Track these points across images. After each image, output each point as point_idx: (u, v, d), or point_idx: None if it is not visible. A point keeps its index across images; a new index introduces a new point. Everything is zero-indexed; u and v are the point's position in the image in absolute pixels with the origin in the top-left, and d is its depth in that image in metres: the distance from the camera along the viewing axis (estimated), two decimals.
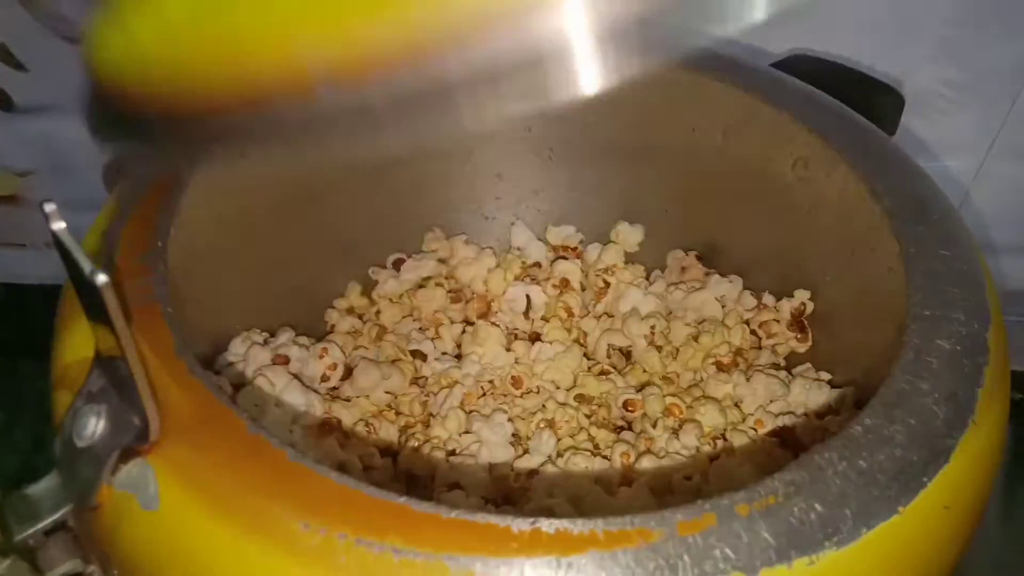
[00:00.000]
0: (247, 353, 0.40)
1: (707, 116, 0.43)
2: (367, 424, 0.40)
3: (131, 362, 0.19)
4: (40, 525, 0.21)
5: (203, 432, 0.21)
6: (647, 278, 0.49)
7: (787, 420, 0.37)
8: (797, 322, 0.42)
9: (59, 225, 0.20)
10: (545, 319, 0.47)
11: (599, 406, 0.42)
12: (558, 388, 0.43)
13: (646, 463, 0.35)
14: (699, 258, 0.47)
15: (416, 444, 0.40)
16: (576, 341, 0.46)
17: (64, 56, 0.54)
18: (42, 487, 0.22)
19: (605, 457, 0.38)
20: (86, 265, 0.18)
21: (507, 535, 0.19)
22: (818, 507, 0.19)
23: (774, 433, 0.37)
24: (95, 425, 0.21)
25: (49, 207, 0.19)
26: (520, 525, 0.19)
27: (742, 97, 0.40)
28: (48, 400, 0.26)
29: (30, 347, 0.33)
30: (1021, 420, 0.30)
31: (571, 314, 0.46)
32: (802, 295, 0.42)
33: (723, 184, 0.45)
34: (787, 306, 0.42)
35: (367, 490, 0.20)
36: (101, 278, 0.18)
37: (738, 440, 0.36)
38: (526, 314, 0.47)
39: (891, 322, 0.36)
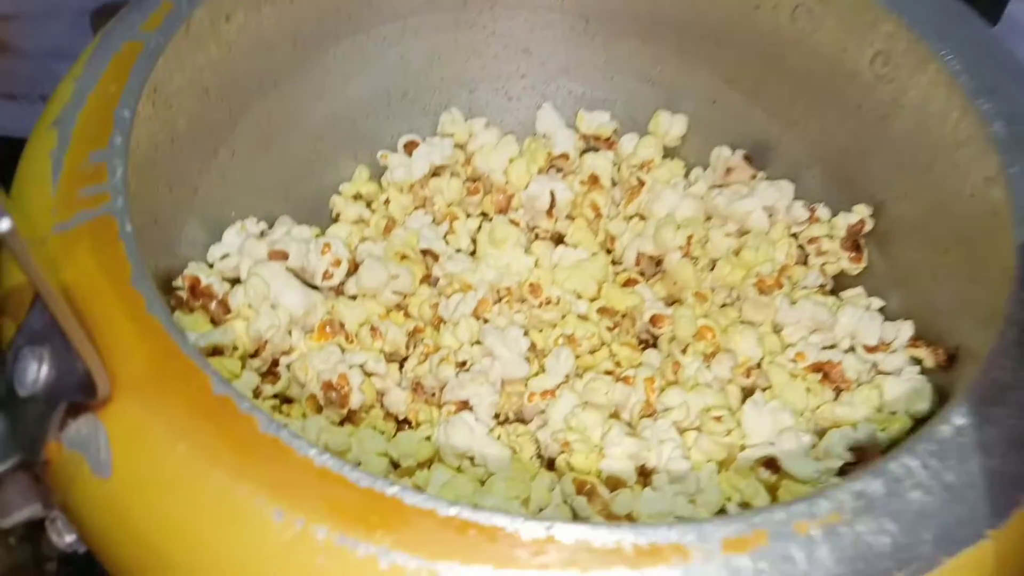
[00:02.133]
0: (242, 246, 0.37)
1: None
2: (373, 328, 0.37)
3: (63, 324, 0.15)
4: None
5: (161, 389, 0.18)
6: (686, 176, 0.44)
7: (832, 354, 0.34)
8: (853, 241, 0.38)
9: None
10: (570, 218, 0.43)
11: (623, 317, 0.39)
12: (580, 298, 0.39)
13: (673, 396, 0.32)
14: (747, 158, 0.42)
15: (425, 350, 0.37)
16: (602, 245, 0.42)
17: None
18: None
19: (627, 380, 0.35)
20: None
21: (515, 542, 0.16)
22: (891, 528, 0.16)
23: (816, 367, 0.34)
24: (37, 372, 0.18)
25: None
26: (532, 530, 0.16)
27: None
28: None
29: None
30: None
31: (599, 214, 0.42)
32: (863, 211, 0.37)
33: (785, 74, 0.39)
34: (843, 222, 0.38)
35: (352, 475, 0.17)
36: (3, 224, 0.14)
37: (775, 374, 0.33)
38: (549, 212, 0.42)
39: (964, 251, 0.32)
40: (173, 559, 0.16)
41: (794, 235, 0.40)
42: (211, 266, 0.37)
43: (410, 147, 0.44)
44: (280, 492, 0.16)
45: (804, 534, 0.16)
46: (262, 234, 0.38)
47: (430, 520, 0.16)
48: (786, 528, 0.16)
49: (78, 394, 0.18)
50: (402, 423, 0.37)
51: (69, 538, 0.21)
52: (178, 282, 0.35)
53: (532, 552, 0.16)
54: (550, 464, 0.34)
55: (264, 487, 0.16)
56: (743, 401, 0.33)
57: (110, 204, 0.21)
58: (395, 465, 0.34)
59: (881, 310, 0.37)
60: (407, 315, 0.40)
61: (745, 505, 0.30)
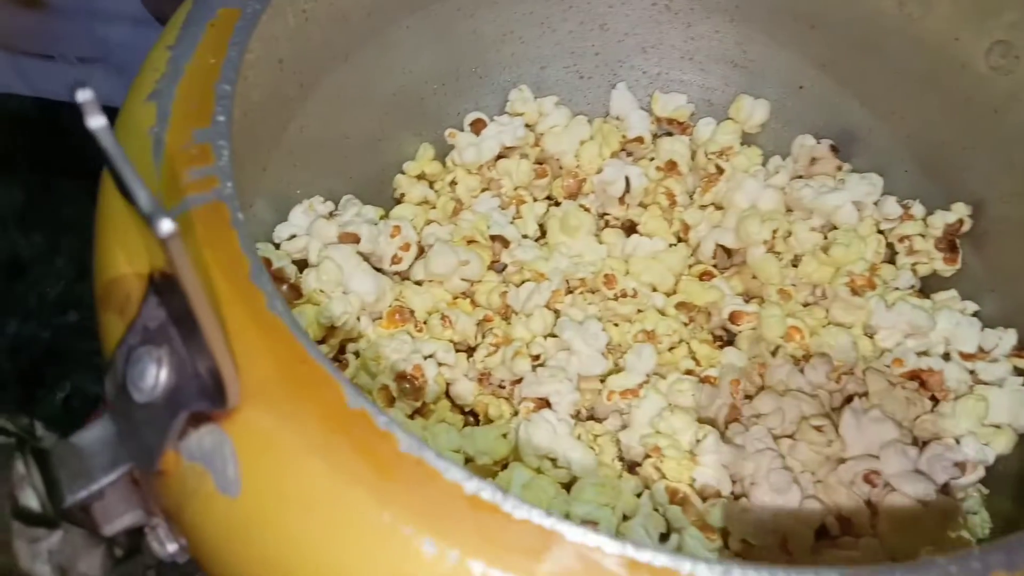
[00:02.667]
0: (311, 227, 0.35)
1: None
2: (443, 317, 0.36)
3: (207, 332, 0.14)
4: (94, 487, 0.17)
5: (291, 399, 0.16)
6: (763, 165, 0.42)
7: (932, 362, 0.32)
8: (949, 241, 0.36)
9: (99, 122, 0.14)
10: (643, 205, 0.41)
11: (698, 312, 0.37)
12: (655, 291, 0.38)
13: (765, 401, 0.31)
14: (833, 148, 0.40)
15: (494, 340, 0.36)
16: (676, 235, 0.40)
17: None
18: (95, 436, 0.18)
19: (711, 381, 0.33)
20: (145, 201, 0.12)
21: None
22: None
23: (913, 375, 0.32)
24: (156, 376, 0.17)
25: (84, 95, 0.13)
26: (707, 574, 0.15)
27: None
28: (90, 223, 0.21)
29: (66, 166, 0.28)
30: None
31: (673, 202, 0.40)
32: (962, 210, 0.36)
33: (885, 61, 0.37)
34: (940, 220, 0.36)
35: (506, 504, 0.15)
36: (166, 226, 0.12)
37: (874, 381, 0.31)
38: (622, 199, 0.40)
39: None
40: None
41: (880, 232, 0.38)
42: (277, 246, 0.35)
43: (477, 126, 0.42)
44: (430, 520, 0.15)
45: None
46: (330, 215, 0.37)
47: (595, 556, 0.15)
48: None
49: (203, 402, 0.16)
50: (467, 415, 0.36)
51: (171, 547, 0.19)
52: None
53: None
54: (630, 468, 0.32)
55: (412, 514, 0.15)
56: (834, 409, 0.32)
57: (219, 189, 0.20)
58: (466, 461, 0.33)
59: (975, 315, 0.35)
60: (474, 303, 0.38)
61: (844, 520, 0.29)
